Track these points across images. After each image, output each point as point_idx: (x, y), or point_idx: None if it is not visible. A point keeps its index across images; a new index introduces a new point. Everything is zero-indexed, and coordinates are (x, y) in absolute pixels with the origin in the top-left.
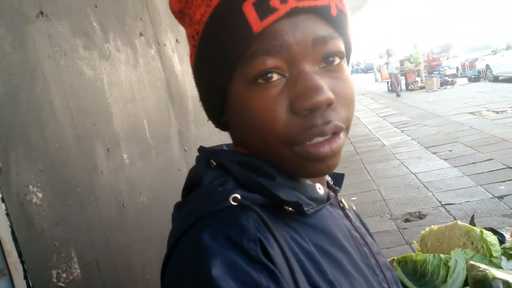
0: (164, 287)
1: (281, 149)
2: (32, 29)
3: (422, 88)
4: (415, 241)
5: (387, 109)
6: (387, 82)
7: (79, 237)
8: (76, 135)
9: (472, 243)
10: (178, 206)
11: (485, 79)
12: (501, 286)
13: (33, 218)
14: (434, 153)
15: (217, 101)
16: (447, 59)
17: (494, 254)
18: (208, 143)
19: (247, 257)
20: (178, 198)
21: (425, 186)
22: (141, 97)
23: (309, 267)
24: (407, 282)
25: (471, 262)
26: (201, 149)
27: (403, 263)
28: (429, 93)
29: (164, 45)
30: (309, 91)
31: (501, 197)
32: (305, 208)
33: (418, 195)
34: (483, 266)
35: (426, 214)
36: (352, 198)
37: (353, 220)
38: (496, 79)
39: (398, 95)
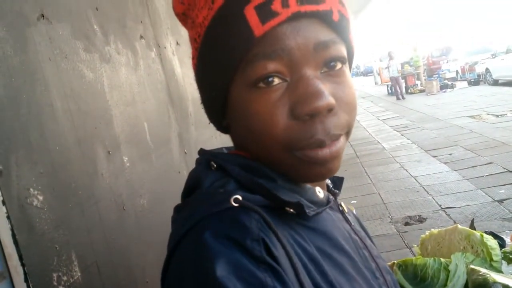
0: None
1: (280, 154)
2: (33, 32)
3: (421, 91)
4: (415, 245)
5: (387, 112)
6: (387, 85)
7: (79, 240)
8: (76, 137)
9: (472, 247)
10: (178, 209)
11: (484, 83)
12: None
13: (34, 221)
14: (434, 156)
15: (218, 104)
16: (447, 62)
17: (495, 258)
18: (209, 146)
19: (251, 257)
20: (178, 200)
21: (425, 190)
22: (142, 100)
23: (311, 269)
24: (408, 286)
25: (472, 266)
26: (201, 152)
27: (403, 267)
28: (429, 97)
29: (165, 47)
30: (310, 96)
31: (501, 201)
32: (306, 210)
33: (418, 198)
34: (483, 270)
35: (426, 218)
36: (352, 202)
37: (353, 224)
38: (496, 83)
39: (402, 98)
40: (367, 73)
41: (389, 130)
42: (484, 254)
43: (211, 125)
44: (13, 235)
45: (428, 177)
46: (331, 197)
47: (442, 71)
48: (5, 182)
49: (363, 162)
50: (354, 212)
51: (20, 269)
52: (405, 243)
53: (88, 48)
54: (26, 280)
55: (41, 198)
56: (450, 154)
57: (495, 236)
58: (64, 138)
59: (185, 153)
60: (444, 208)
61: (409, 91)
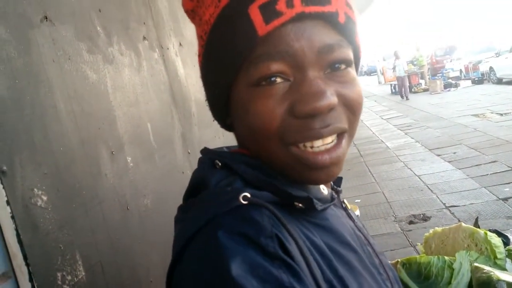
0: None
1: (276, 149)
2: (36, 34)
3: (425, 90)
4: (419, 243)
5: (391, 112)
6: (391, 85)
7: (83, 240)
8: (80, 138)
9: (476, 245)
10: (183, 209)
11: (488, 81)
12: None
13: (38, 221)
14: (438, 155)
15: (221, 102)
16: (451, 61)
17: (499, 256)
18: (212, 146)
19: (265, 254)
20: (181, 200)
21: (429, 188)
22: (145, 101)
23: (322, 263)
24: (412, 284)
25: (476, 264)
26: (204, 151)
27: (407, 265)
28: (433, 96)
29: (168, 48)
30: (312, 97)
31: (505, 199)
32: (316, 204)
33: (422, 197)
34: (487, 268)
35: (430, 216)
36: (356, 201)
37: (356, 221)
38: (499, 81)
39: (406, 99)
40: (370, 72)
41: (393, 129)
42: (488, 252)
43: (214, 125)
44: (18, 235)
45: (432, 176)
46: (334, 194)
47: (446, 70)
48: (9, 183)
49: (367, 161)
50: (358, 212)
51: (24, 269)
52: (409, 241)
53: (91, 49)
54: (30, 280)
55: (45, 198)
56: (454, 153)
57: (499, 234)
58: (67, 139)
59: (189, 153)
60: (448, 206)
61: (413, 90)
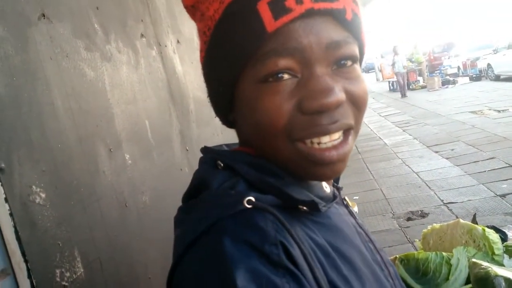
0: None
1: (283, 146)
2: (34, 31)
3: (423, 87)
4: (417, 240)
5: (389, 109)
6: (389, 82)
7: (82, 237)
8: (78, 136)
9: (474, 241)
10: (185, 210)
11: (486, 78)
12: (503, 284)
13: (36, 218)
14: (436, 152)
15: (225, 98)
16: (449, 58)
17: (496, 252)
18: (210, 143)
19: (269, 262)
20: (180, 197)
21: (427, 185)
22: (143, 98)
23: (325, 264)
24: (410, 280)
25: (474, 260)
26: (205, 150)
27: (406, 261)
28: (431, 93)
29: (165, 46)
30: (320, 93)
31: (503, 196)
32: (320, 207)
33: (420, 194)
34: (485, 264)
35: (428, 213)
36: (354, 197)
37: (357, 218)
38: (497, 78)
39: (404, 96)
40: (368, 69)
41: (391, 126)
42: (486, 248)
43: (213, 122)
44: (16, 232)
45: (430, 173)
46: (336, 192)
47: (444, 67)
48: (7, 180)
49: (365, 158)
50: (356, 209)
51: (23, 266)
52: (407, 238)
53: (89, 47)
54: (29, 277)
55: (43, 195)
56: (452, 150)
57: (497, 230)
58: (65, 136)
59: (187, 150)
60: (446, 203)
61: (410, 87)
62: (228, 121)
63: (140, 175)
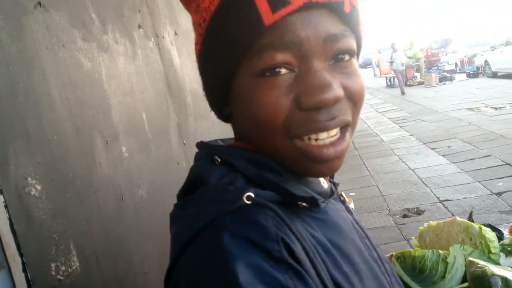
0: None
1: (281, 142)
2: (30, 20)
3: (420, 83)
4: (413, 237)
5: (386, 105)
6: (386, 77)
7: (77, 230)
8: (74, 127)
9: (470, 239)
10: (181, 206)
11: (483, 75)
12: (500, 283)
13: (32, 210)
14: (433, 149)
15: (221, 91)
16: (446, 54)
17: (493, 250)
18: (207, 137)
19: (271, 258)
20: (177, 191)
21: (423, 182)
22: (140, 90)
23: (326, 260)
24: (406, 278)
25: (470, 258)
26: (201, 145)
27: (402, 258)
28: (428, 89)
29: (163, 37)
30: (318, 89)
31: (499, 194)
32: (319, 203)
33: (416, 191)
34: (482, 262)
35: (424, 210)
36: (351, 194)
37: (354, 214)
38: (494, 75)
39: (404, 93)
40: (366, 65)
41: (387, 122)
42: (482, 247)
43: (210, 116)
44: (11, 225)
45: (426, 170)
46: (333, 187)
47: (441, 64)
48: (2, 172)
49: (361, 154)
50: (352, 205)
51: (18, 259)
52: (403, 235)
53: (86, 37)
54: (24, 270)
55: (39, 187)
56: (449, 147)
57: (493, 228)
58: (62, 127)
59: (184, 144)
60: (442, 200)
61: (408, 83)
62: (223, 115)
63: (137, 168)
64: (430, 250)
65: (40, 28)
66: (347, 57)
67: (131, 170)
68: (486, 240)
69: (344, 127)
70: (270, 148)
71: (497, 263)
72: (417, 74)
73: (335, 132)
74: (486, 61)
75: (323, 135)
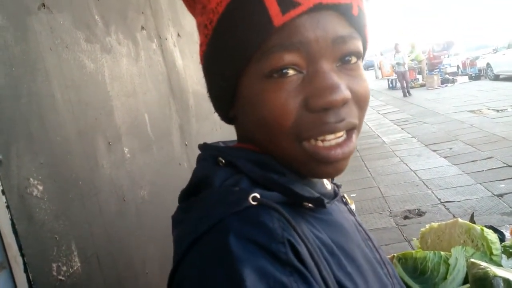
0: None
1: (289, 145)
2: (34, 21)
3: (422, 85)
4: (414, 238)
5: (387, 107)
6: (388, 79)
7: (79, 231)
8: (77, 128)
9: (472, 241)
10: (184, 209)
11: (485, 78)
12: (502, 284)
13: (34, 211)
14: (434, 150)
15: (226, 93)
16: (448, 57)
17: (495, 252)
18: (209, 138)
19: (277, 261)
20: (178, 192)
21: (425, 184)
22: (142, 91)
23: (331, 262)
24: (407, 279)
25: (472, 260)
26: (204, 147)
27: (403, 260)
28: (430, 91)
29: (166, 39)
30: (326, 90)
31: (500, 196)
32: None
33: (418, 192)
34: (483, 264)
35: (426, 212)
36: (352, 195)
37: (356, 215)
38: (496, 78)
39: (409, 94)
40: (367, 67)
41: (389, 124)
42: (484, 248)
43: (212, 117)
44: (13, 225)
45: (427, 171)
46: (336, 189)
47: (443, 66)
48: (5, 172)
49: (363, 156)
50: (353, 206)
51: (19, 259)
52: (404, 236)
53: (89, 38)
54: (25, 271)
55: (41, 188)
56: (450, 149)
57: (495, 230)
58: (64, 128)
59: (186, 145)
60: (444, 202)
61: (410, 85)
62: (227, 117)
63: (139, 170)
64: (432, 251)
65: (44, 30)
66: (354, 59)
67: (133, 171)
68: (488, 241)
69: (350, 130)
70: (276, 150)
71: (499, 264)
72: (419, 76)
73: (341, 133)
74: (488, 64)
75: (330, 137)
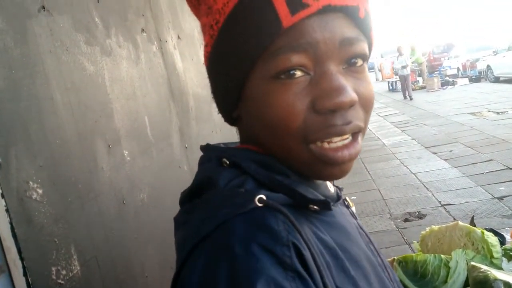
0: None
1: (296, 146)
2: (34, 24)
3: (422, 88)
4: (415, 241)
5: (388, 109)
6: (388, 82)
7: (79, 234)
8: (77, 131)
9: (473, 244)
10: (187, 210)
11: (486, 80)
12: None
13: (33, 214)
14: (434, 153)
15: (232, 94)
16: (448, 59)
17: (495, 255)
18: (209, 141)
19: (280, 264)
20: (178, 195)
21: (425, 186)
22: (142, 94)
23: (333, 267)
24: (408, 282)
25: (472, 263)
26: (207, 148)
27: (404, 263)
28: (430, 93)
29: (166, 41)
30: (334, 92)
31: (501, 198)
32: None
33: (418, 195)
34: (484, 267)
35: (426, 214)
36: (352, 198)
37: (357, 218)
38: (497, 80)
39: (410, 99)
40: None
41: (389, 126)
42: (484, 251)
43: (212, 120)
44: (12, 229)
45: (428, 174)
46: (339, 191)
47: (444, 68)
48: (4, 175)
49: (363, 158)
50: (354, 209)
51: (18, 263)
52: (404, 239)
53: (89, 40)
54: (25, 274)
55: (40, 191)
56: (451, 151)
57: (495, 233)
58: (64, 131)
59: (186, 147)
60: (444, 204)
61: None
62: (231, 118)
63: (138, 172)
64: (432, 254)
65: (43, 32)
66: (360, 61)
67: (133, 174)
68: (488, 244)
69: (356, 132)
70: (281, 151)
71: (499, 267)
72: (419, 79)
73: (347, 135)
74: (488, 66)
75: (336, 139)
